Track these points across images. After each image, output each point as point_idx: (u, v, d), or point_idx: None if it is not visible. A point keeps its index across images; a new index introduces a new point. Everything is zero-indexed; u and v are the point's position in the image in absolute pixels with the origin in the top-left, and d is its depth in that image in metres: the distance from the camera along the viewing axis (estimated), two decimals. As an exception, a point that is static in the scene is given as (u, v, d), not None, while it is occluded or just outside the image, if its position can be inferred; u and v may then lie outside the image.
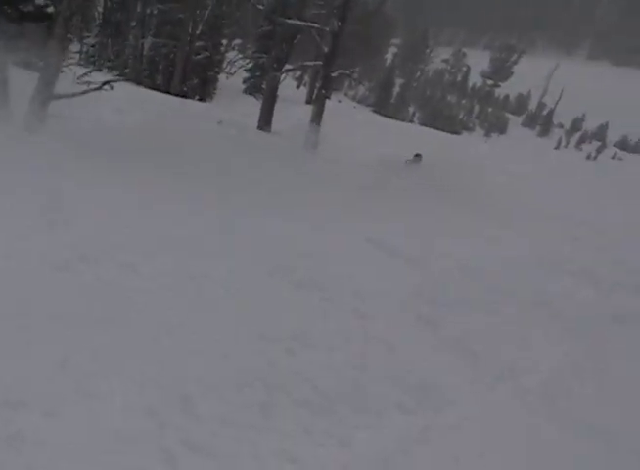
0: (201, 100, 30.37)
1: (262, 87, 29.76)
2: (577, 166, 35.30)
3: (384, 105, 65.01)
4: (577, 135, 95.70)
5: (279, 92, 25.32)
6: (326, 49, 18.28)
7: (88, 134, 11.51)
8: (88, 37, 30.02)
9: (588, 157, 73.88)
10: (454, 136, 44.46)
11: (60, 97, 11.06)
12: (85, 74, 13.15)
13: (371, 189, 12.54)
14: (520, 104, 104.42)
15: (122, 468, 3.45)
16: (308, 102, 34.57)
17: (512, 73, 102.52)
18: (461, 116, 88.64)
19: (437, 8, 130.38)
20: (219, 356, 4.77)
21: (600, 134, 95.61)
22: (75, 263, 5.74)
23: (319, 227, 8.83)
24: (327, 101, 19.56)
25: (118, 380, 4.12)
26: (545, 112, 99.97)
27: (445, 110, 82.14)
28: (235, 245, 7.37)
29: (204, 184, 9.86)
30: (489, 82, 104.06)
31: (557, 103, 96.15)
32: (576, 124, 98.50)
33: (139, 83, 26.58)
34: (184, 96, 28.00)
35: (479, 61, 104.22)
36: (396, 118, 46.53)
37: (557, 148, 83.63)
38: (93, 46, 30.34)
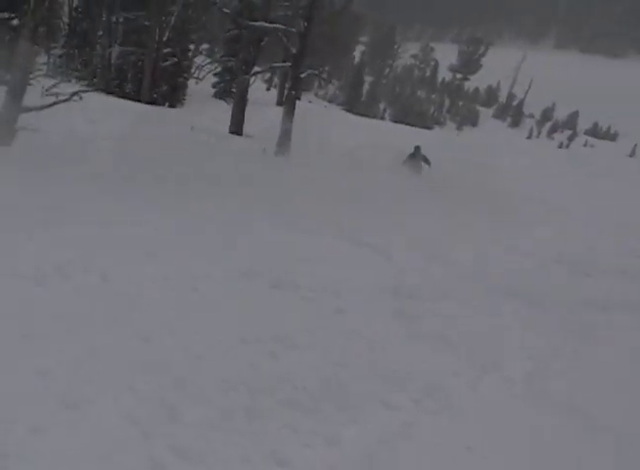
0: (171, 106, 30.18)
1: (232, 91, 29.62)
2: (551, 156, 35.55)
3: (354, 103, 65.02)
4: (548, 125, 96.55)
5: (249, 95, 25.30)
6: (294, 50, 18.26)
7: (58, 147, 11.48)
8: (55, 48, 29.70)
9: (560, 146, 74.64)
10: (426, 131, 44.62)
11: (29, 110, 10.99)
12: (54, 86, 13.02)
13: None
14: (490, 96, 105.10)
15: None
16: (279, 104, 34.51)
17: (480, 66, 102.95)
18: (432, 110, 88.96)
19: (404, 3, 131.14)
20: (200, 359, 4.80)
21: (571, 123, 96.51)
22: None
23: (291, 226, 8.93)
24: (297, 102, 19.52)
25: (97, 388, 4.11)
26: (515, 103, 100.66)
27: (416, 105, 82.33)
28: (208, 248, 7.48)
29: (176, 191, 9.96)
30: (458, 76, 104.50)
31: (526, 93, 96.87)
32: (547, 114, 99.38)
33: (109, 93, 26.32)
34: (154, 103, 27.84)
35: (447, 55, 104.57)
36: (368, 116, 46.54)
37: (529, 137, 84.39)
38: (60, 57, 30.00)
